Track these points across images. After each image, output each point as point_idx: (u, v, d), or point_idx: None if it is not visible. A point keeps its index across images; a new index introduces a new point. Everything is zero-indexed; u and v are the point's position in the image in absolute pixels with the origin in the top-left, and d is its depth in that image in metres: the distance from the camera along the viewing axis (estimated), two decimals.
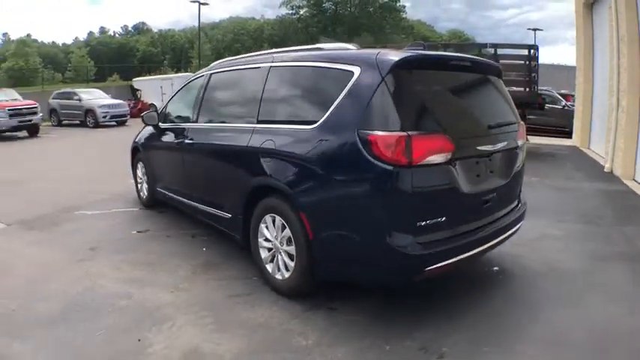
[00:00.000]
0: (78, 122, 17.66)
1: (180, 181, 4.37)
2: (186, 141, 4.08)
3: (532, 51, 8.81)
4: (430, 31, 62.45)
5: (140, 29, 72.87)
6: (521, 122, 3.31)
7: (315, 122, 2.71)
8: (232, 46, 51.66)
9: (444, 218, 2.51)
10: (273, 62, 3.31)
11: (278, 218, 2.95)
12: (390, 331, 2.56)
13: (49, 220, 4.83)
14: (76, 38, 69.17)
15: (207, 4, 31.56)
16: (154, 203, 5.15)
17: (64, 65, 49.19)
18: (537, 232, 4.24)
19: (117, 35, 71.67)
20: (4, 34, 61.21)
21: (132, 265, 3.58)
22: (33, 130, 14.34)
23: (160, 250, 3.93)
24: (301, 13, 51.88)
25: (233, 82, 3.82)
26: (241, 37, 56.72)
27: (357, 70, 2.60)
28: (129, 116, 18.47)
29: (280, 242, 2.97)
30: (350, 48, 3.04)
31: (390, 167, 2.34)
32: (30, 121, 14.03)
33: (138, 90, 24.87)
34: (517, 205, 3.30)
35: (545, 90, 14.95)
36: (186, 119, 4.32)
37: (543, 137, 12.10)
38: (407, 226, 2.41)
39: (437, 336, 2.50)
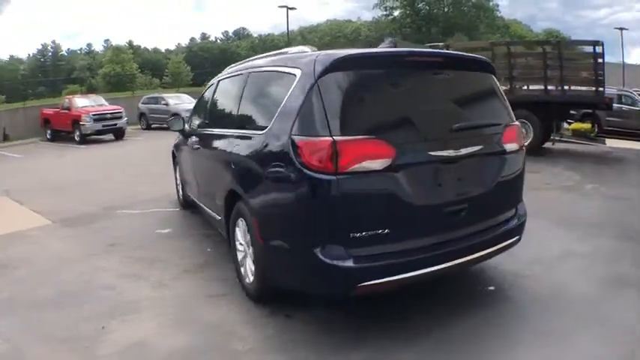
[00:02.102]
0: (165, 126, 18.95)
1: (194, 184, 4.61)
2: (195, 146, 4.30)
3: (597, 48, 7.75)
4: (526, 31, 58.67)
5: (240, 34, 76.24)
6: (514, 123, 2.96)
7: (266, 128, 2.71)
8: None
9: (386, 230, 2.33)
10: (251, 68, 3.38)
11: (244, 222, 3.00)
12: (333, 345, 2.48)
13: (89, 218, 5.32)
14: (178, 44, 73.06)
15: (294, 8, 31.83)
16: (188, 205, 5.35)
17: (163, 71, 52.39)
18: (563, 247, 3.79)
19: (218, 41, 75.07)
20: (106, 41, 65.09)
21: (135, 261, 3.88)
22: (118, 134, 15.42)
23: (170, 248, 4.17)
24: (395, 14, 51.58)
25: (229, 89, 3.94)
26: (338, 40, 56.89)
27: (298, 73, 2.55)
28: None
29: (247, 246, 3.01)
30: (306, 50, 2.98)
31: (316, 175, 2.25)
32: (115, 125, 15.19)
33: None
34: (510, 218, 2.96)
35: (626, 91, 13.61)
36: (199, 125, 4.55)
37: (619, 140, 10.83)
38: (338, 237, 2.30)
39: (376, 356, 2.36)
